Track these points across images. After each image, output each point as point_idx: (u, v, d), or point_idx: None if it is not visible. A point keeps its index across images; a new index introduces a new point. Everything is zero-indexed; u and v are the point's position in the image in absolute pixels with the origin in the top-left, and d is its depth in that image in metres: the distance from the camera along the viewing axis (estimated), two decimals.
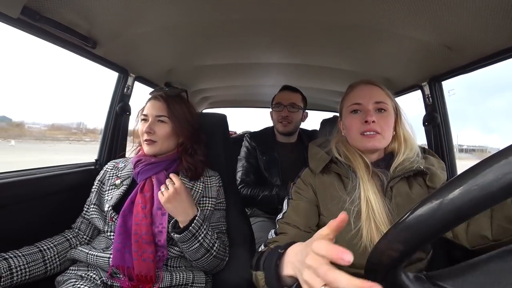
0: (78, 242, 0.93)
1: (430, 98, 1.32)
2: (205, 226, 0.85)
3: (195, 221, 0.82)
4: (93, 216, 0.91)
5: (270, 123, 1.69)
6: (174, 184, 0.84)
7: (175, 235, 0.82)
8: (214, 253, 0.87)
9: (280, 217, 0.83)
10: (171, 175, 0.87)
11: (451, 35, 0.91)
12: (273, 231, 0.82)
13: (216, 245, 0.87)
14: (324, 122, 1.33)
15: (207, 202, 0.96)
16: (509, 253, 0.32)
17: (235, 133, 2.67)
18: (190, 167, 0.95)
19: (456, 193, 0.27)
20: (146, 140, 0.92)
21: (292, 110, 1.52)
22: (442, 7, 0.77)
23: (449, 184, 0.29)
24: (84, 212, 0.96)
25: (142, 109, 0.98)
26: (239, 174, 1.54)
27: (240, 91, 2.27)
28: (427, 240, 0.30)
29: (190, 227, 0.81)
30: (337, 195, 0.79)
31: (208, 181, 0.99)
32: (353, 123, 0.82)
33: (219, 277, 0.94)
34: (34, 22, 0.81)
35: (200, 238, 0.83)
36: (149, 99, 0.97)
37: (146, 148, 0.93)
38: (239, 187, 1.47)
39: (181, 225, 0.83)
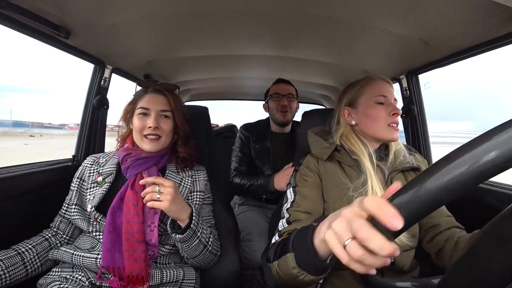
0: (57, 242, 0.88)
1: (408, 91, 1.37)
2: (200, 221, 0.84)
3: (193, 217, 0.80)
4: (75, 217, 0.86)
5: (254, 116, 1.72)
6: (165, 185, 0.77)
7: (177, 236, 0.78)
8: (210, 247, 0.86)
9: (289, 206, 0.82)
10: (155, 179, 0.79)
11: (428, 30, 0.95)
12: (283, 220, 0.79)
13: (211, 239, 0.87)
14: (306, 114, 1.34)
15: (196, 196, 0.95)
16: None
17: (217, 126, 2.64)
18: (186, 156, 0.95)
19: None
20: (151, 135, 0.88)
21: (290, 100, 1.58)
22: (422, 2, 0.79)
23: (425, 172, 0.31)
24: (63, 211, 0.90)
25: (135, 103, 0.93)
26: (233, 163, 1.60)
27: (222, 84, 2.23)
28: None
29: (191, 225, 0.79)
30: (341, 182, 0.82)
31: (196, 175, 0.98)
32: (380, 114, 0.84)
33: (207, 272, 0.93)
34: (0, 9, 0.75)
35: (199, 233, 0.82)
36: (144, 93, 0.94)
37: (149, 146, 0.89)
38: (232, 175, 1.53)
39: (183, 224, 0.80)
